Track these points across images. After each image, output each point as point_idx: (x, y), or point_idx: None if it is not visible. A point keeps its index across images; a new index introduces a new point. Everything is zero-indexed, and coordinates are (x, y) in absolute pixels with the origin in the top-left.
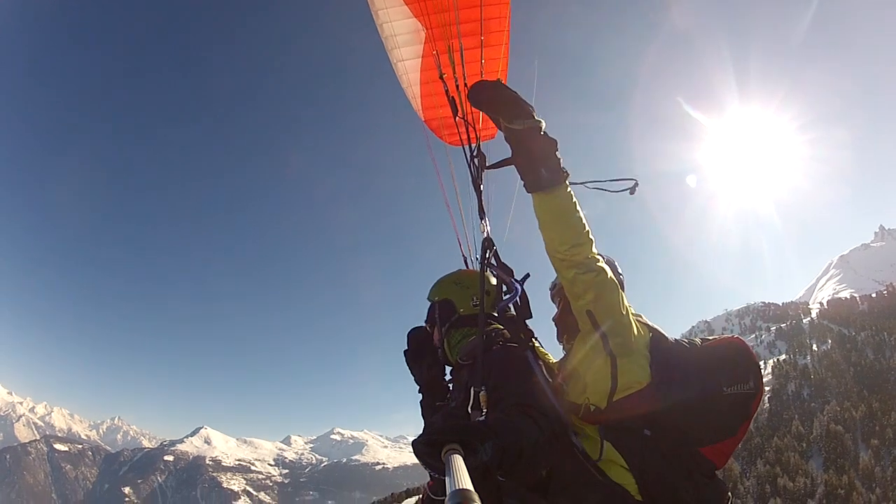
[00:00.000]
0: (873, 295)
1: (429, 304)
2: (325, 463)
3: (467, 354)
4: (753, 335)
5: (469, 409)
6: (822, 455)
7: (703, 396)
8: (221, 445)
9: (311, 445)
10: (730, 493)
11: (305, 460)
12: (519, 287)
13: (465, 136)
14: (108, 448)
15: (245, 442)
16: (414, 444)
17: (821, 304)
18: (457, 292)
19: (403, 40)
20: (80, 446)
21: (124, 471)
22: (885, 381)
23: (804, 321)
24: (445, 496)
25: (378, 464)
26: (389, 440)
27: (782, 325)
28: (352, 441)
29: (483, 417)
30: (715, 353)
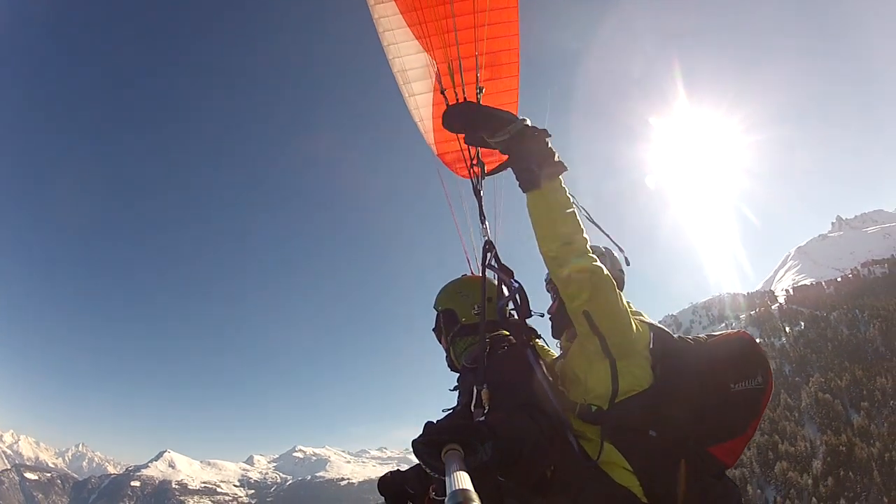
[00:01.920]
0: (839, 279)
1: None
2: (290, 481)
3: (472, 359)
4: (723, 324)
5: (472, 408)
6: (814, 422)
7: (710, 395)
8: (186, 468)
9: (275, 464)
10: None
11: (270, 479)
12: (517, 286)
13: (464, 146)
14: (76, 476)
15: (209, 464)
16: (414, 444)
17: (787, 290)
18: (458, 301)
19: (415, 75)
20: (49, 475)
21: (94, 498)
22: (864, 352)
23: (773, 307)
24: (445, 496)
25: (343, 479)
26: (352, 455)
27: (752, 313)
28: (314, 458)
29: (484, 417)
30: (721, 348)
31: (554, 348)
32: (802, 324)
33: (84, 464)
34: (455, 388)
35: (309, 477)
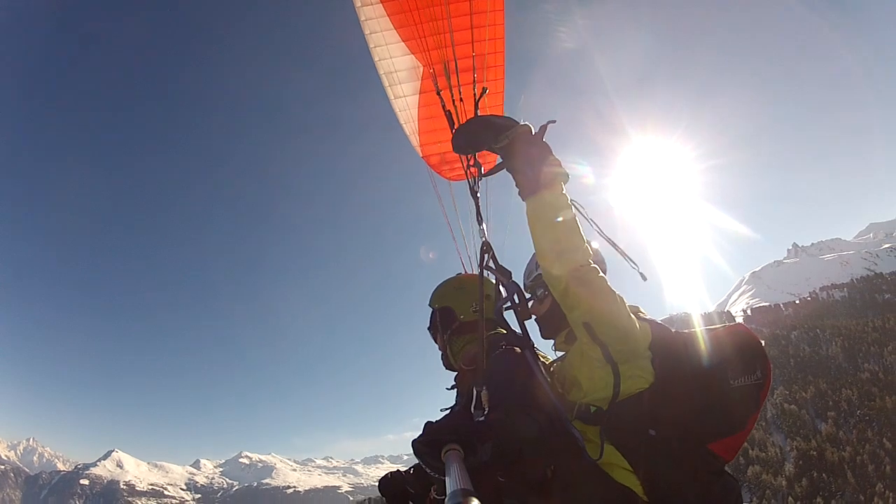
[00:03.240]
0: (797, 301)
1: (430, 309)
2: (237, 487)
3: (470, 360)
4: None
5: (472, 409)
6: (782, 431)
7: (711, 391)
8: (133, 469)
9: (221, 469)
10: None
11: (217, 484)
12: (515, 287)
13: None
14: (27, 470)
15: (156, 466)
16: (414, 444)
17: (744, 311)
18: (457, 298)
19: (402, 76)
20: (3, 467)
21: (45, 494)
22: (827, 368)
23: None
24: (445, 496)
25: (289, 487)
26: (298, 463)
27: None
28: (260, 465)
29: (484, 417)
30: (720, 343)
31: (544, 350)
32: (763, 342)
33: (35, 458)
34: (452, 387)
35: (255, 483)
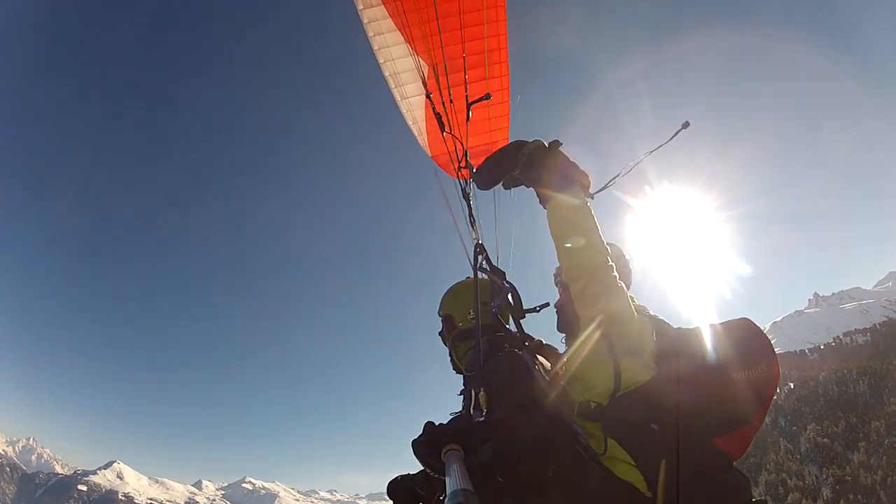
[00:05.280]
0: (822, 347)
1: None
2: None
3: (471, 365)
4: None
5: (471, 411)
6: (816, 462)
7: (713, 385)
8: (134, 482)
9: (223, 492)
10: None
11: None
12: (509, 287)
13: (452, 149)
14: (24, 467)
15: (157, 482)
16: (414, 444)
17: None
18: (455, 306)
19: (406, 77)
20: (0, 461)
21: (40, 493)
22: (855, 404)
23: None
24: (445, 496)
25: None
26: (301, 493)
27: None
28: (263, 492)
29: (483, 418)
30: (723, 336)
31: (558, 343)
32: (791, 384)
33: (33, 457)
34: (461, 393)
35: None
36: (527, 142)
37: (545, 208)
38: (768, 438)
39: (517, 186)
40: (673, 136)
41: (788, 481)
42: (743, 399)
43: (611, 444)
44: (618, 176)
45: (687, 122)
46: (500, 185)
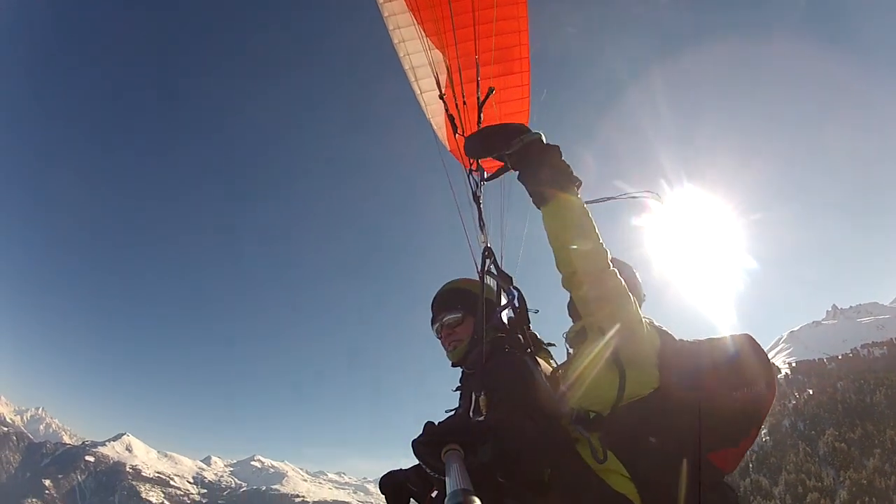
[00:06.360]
0: (839, 356)
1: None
2: (245, 488)
3: (472, 364)
4: None
5: (471, 413)
6: (833, 466)
7: (712, 401)
8: (142, 455)
9: (231, 469)
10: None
11: (225, 483)
12: (515, 294)
13: (464, 152)
14: (31, 437)
15: (166, 455)
16: (414, 444)
17: (788, 364)
18: (488, 291)
19: (424, 72)
20: (6, 429)
21: (46, 463)
22: (872, 412)
23: (779, 376)
24: (445, 496)
25: (297, 496)
26: (310, 474)
27: None
28: (272, 470)
29: (483, 418)
30: (724, 353)
31: (556, 351)
32: (811, 390)
33: (41, 427)
34: (457, 389)
35: (264, 487)
36: (528, 129)
37: (541, 208)
38: (788, 441)
39: (501, 175)
40: (638, 195)
41: (807, 482)
42: (740, 417)
43: (609, 455)
44: (599, 200)
45: (657, 193)
46: (499, 186)
